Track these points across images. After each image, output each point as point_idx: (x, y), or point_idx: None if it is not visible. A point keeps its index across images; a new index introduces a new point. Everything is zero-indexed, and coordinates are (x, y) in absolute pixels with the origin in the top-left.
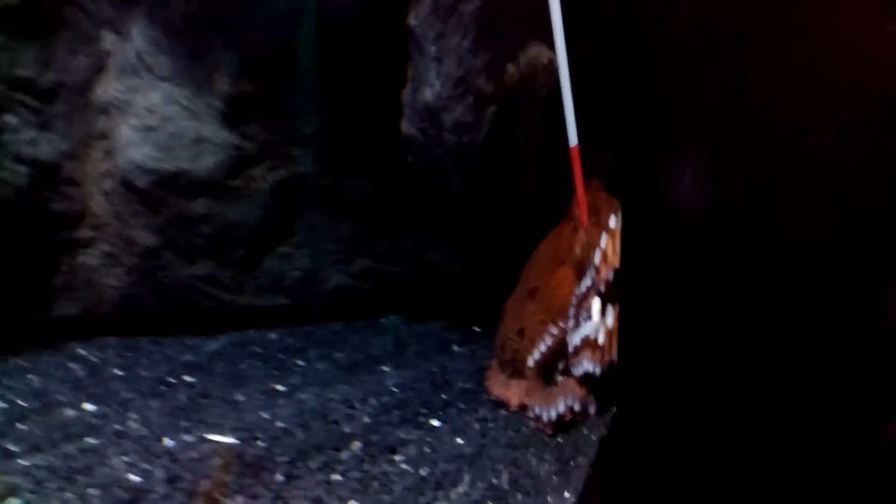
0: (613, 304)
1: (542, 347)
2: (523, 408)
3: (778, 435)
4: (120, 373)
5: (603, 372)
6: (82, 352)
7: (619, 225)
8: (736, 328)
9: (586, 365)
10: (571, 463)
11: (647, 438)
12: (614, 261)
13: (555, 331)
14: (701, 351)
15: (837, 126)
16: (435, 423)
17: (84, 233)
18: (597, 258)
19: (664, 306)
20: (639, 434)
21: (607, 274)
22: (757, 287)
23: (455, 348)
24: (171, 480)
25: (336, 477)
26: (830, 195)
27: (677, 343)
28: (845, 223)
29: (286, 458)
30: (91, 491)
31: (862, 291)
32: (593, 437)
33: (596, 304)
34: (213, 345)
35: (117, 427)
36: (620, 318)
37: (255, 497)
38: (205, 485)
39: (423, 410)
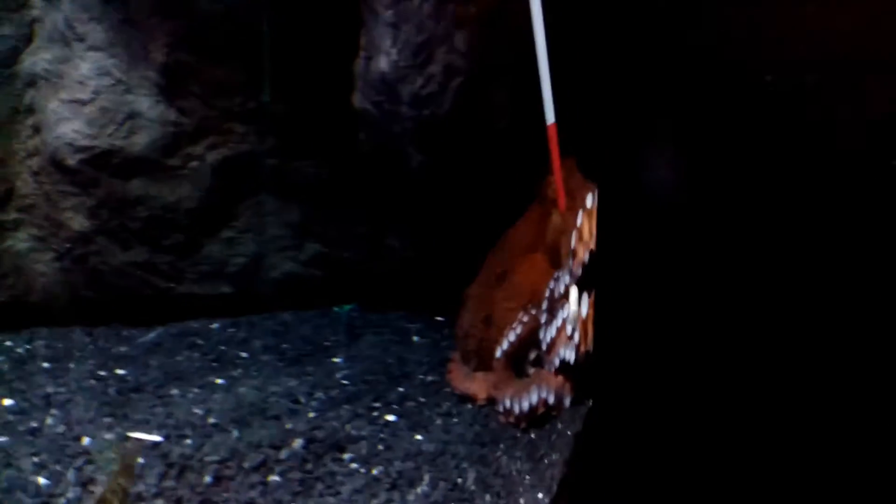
0: (589, 289)
1: (512, 336)
2: (491, 401)
3: (760, 428)
4: (47, 365)
5: (578, 362)
6: (8, 343)
7: (596, 206)
8: (717, 316)
9: (562, 352)
10: (545, 460)
11: (624, 433)
12: (590, 243)
13: (525, 318)
14: (681, 340)
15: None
16: (390, 418)
17: (10, 215)
18: (572, 243)
19: (642, 293)
20: (616, 428)
21: (583, 256)
22: (740, 273)
23: (415, 338)
24: (83, 483)
25: (273, 478)
26: (815, 175)
27: (656, 332)
28: (828, 205)
29: (216, 458)
30: None
31: (839, 276)
32: (568, 433)
33: (573, 291)
34: (149, 336)
35: (33, 425)
36: (596, 306)
37: (177, 501)
38: (108, 488)
39: (376, 405)
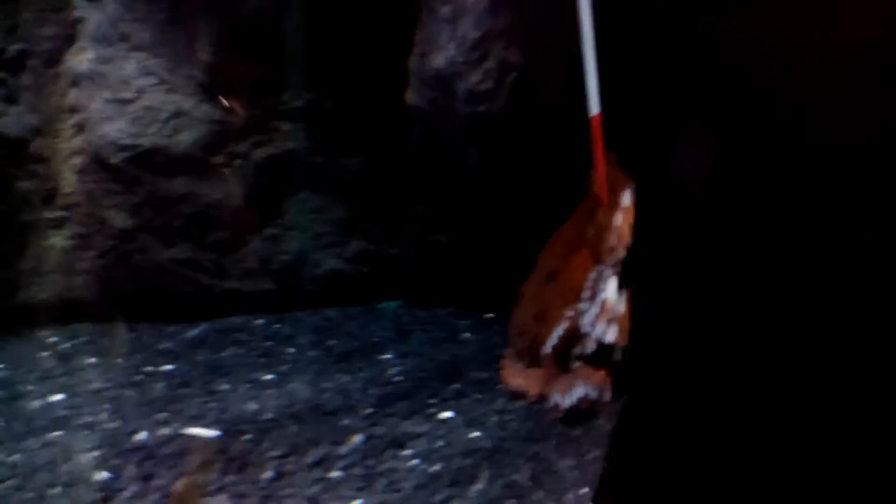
0: (627, 284)
1: (559, 333)
2: (542, 398)
3: (797, 427)
4: (93, 361)
5: (615, 357)
6: (53, 339)
7: (633, 202)
8: (753, 314)
9: (608, 336)
10: (588, 456)
11: (660, 429)
12: (627, 239)
13: (570, 314)
14: (717, 338)
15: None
16: (447, 414)
17: (54, 213)
18: (612, 238)
19: (679, 289)
20: (652, 424)
21: (620, 252)
22: (778, 272)
23: (465, 335)
24: (145, 478)
25: (335, 474)
26: (856, 172)
27: (692, 329)
28: (871, 205)
29: (277, 453)
30: (53, 490)
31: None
32: (608, 429)
33: (612, 283)
34: (193, 332)
35: (87, 420)
36: (633, 301)
37: (240, 496)
38: (180, 483)
39: (432, 401)
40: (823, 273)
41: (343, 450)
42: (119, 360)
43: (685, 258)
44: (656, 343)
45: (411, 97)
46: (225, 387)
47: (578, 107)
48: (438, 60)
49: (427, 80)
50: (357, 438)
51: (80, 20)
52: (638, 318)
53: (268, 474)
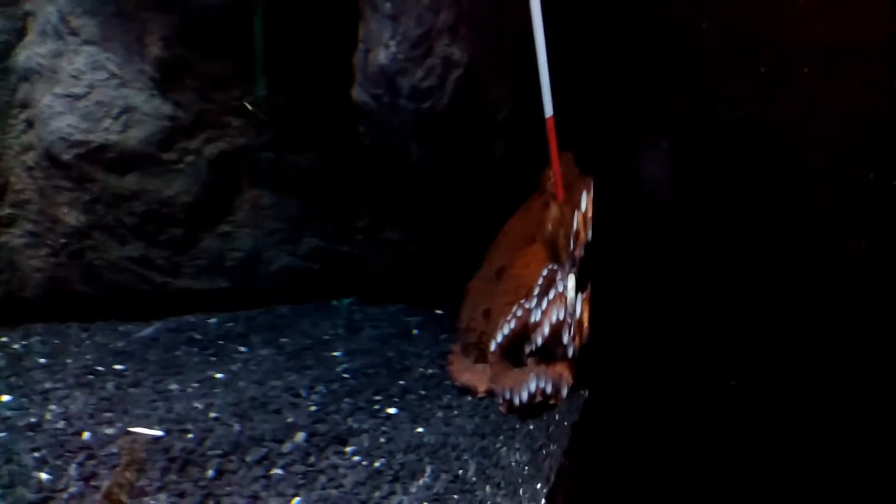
0: (585, 282)
1: (506, 329)
2: (491, 393)
3: (755, 422)
4: (44, 361)
5: (574, 353)
6: (4, 339)
7: (591, 200)
8: (711, 309)
9: (560, 345)
10: (543, 451)
11: (620, 424)
12: (586, 237)
13: (520, 312)
14: (675, 333)
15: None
16: (392, 410)
17: (5, 210)
18: (569, 236)
19: (637, 285)
20: (612, 419)
21: (579, 250)
22: (735, 268)
23: (414, 332)
24: (86, 478)
25: (276, 471)
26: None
27: (651, 324)
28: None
29: (219, 452)
30: None
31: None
32: (566, 423)
33: (571, 281)
34: (146, 331)
35: (32, 420)
36: (592, 298)
37: (181, 495)
38: (110, 482)
39: (378, 398)
40: (780, 270)
41: (286, 447)
42: (70, 361)
43: (644, 255)
44: (617, 339)
45: (356, 93)
46: (174, 386)
47: (527, 104)
48: (382, 57)
49: (371, 77)
50: (300, 436)
51: (30, 13)
52: (598, 314)
53: (209, 473)
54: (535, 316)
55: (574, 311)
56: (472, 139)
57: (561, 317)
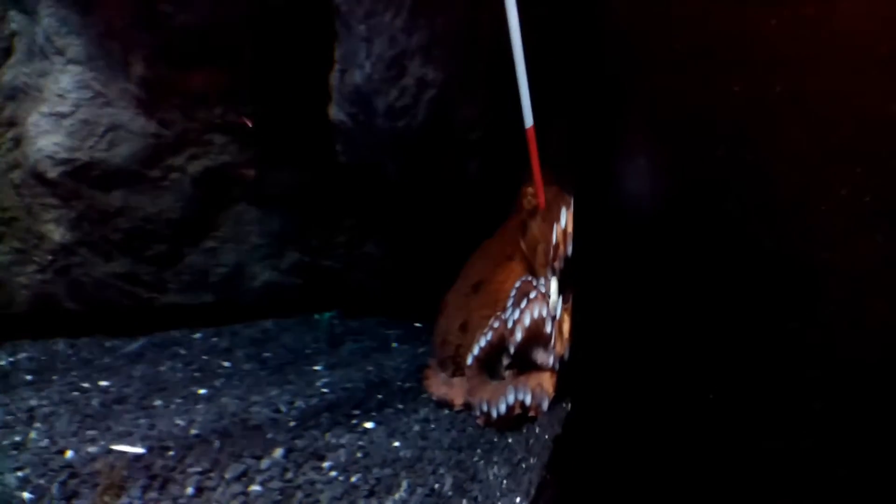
0: (566, 294)
1: (483, 342)
2: (468, 406)
3: (739, 429)
4: (30, 378)
5: (555, 364)
6: None
7: (572, 214)
8: (692, 321)
9: (540, 356)
10: (523, 465)
11: (603, 437)
12: (566, 251)
13: (497, 324)
14: (659, 344)
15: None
16: (369, 425)
17: None
18: (548, 252)
19: (619, 298)
20: (595, 432)
21: (559, 263)
22: (719, 279)
23: (394, 345)
24: (68, 498)
25: (255, 488)
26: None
27: (632, 337)
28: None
29: (198, 469)
30: None
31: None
32: (546, 437)
33: (553, 284)
34: (132, 346)
35: (16, 439)
36: (574, 308)
37: None
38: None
39: (356, 412)
40: (764, 282)
41: (264, 464)
42: (56, 377)
43: (627, 265)
44: (600, 350)
45: (333, 112)
46: (158, 402)
47: (500, 123)
48: (357, 77)
49: (347, 96)
50: (278, 452)
51: (15, 33)
52: (581, 325)
53: (188, 490)
54: (510, 324)
55: (556, 316)
56: (445, 157)
57: (536, 315)
